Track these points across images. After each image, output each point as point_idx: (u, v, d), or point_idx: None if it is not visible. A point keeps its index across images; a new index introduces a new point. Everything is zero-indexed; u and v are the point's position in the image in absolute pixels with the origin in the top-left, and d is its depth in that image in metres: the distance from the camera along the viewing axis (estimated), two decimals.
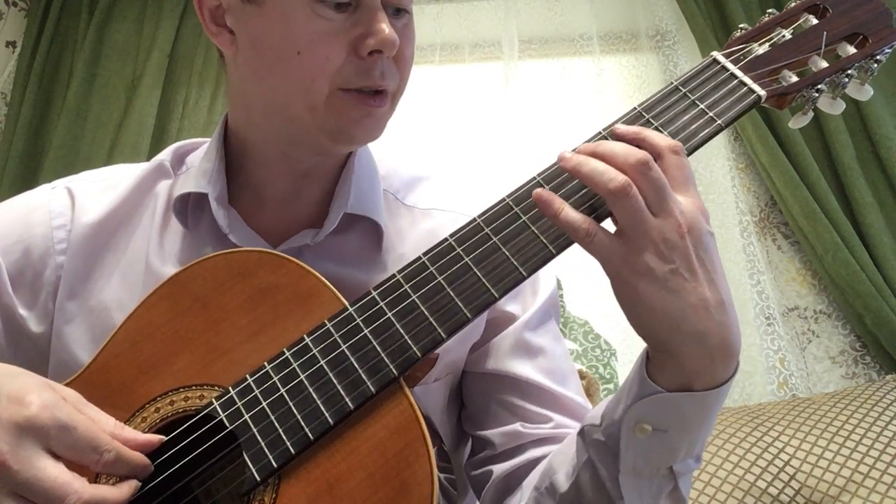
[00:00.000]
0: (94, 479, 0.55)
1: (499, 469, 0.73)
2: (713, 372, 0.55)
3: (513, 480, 0.72)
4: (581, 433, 0.64)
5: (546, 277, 0.80)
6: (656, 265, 0.52)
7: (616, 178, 0.52)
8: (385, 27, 0.63)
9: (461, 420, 0.80)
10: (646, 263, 0.52)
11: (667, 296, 0.52)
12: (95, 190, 0.77)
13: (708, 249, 0.54)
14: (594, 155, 0.55)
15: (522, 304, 0.78)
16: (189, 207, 0.74)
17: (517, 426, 0.73)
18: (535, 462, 0.71)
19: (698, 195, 0.55)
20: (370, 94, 0.66)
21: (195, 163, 0.78)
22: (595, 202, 0.57)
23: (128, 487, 0.52)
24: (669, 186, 0.53)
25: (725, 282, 0.55)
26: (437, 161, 2.07)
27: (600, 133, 0.60)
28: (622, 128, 0.58)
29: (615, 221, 0.55)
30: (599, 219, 0.56)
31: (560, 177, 0.58)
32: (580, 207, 0.56)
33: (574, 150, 0.58)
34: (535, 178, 0.59)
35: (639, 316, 0.55)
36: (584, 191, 0.57)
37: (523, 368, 0.75)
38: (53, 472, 0.48)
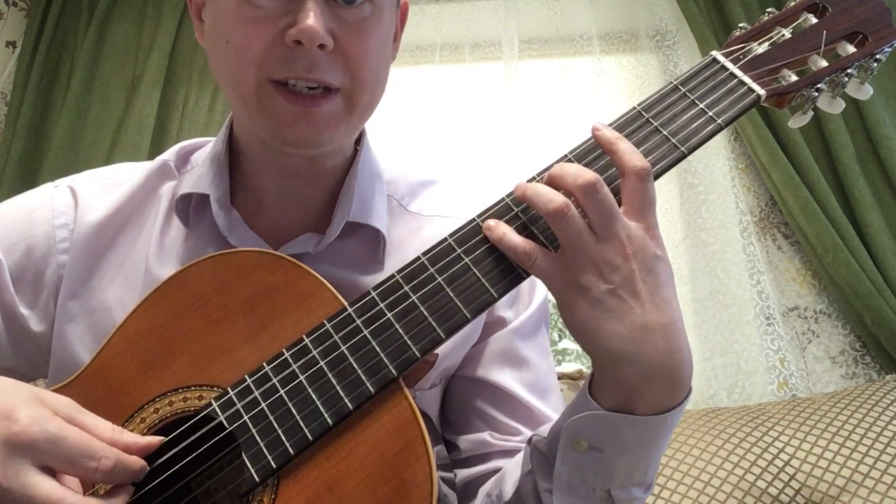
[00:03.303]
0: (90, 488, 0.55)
1: (462, 474, 0.73)
2: (654, 397, 0.55)
3: (472, 487, 0.72)
4: (529, 442, 0.65)
5: (541, 286, 0.81)
6: (593, 285, 0.53)
7: (554, 199, 0.53)
8: (307, 17, 0.59)
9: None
10: (581, 282, 0.53)
11: (601, 315, 0.53)
12: (99, 189, 0.77)
13: (654, 273, 0.54)
14: (548, 177, 0.57)
15: (516, 311, 0.78)
16: (191, 207, 0.74)
17: (486, 435, 0.73)
18: (496, 472, 0.71)
19: (654, 221, 0.56)
20: (304, 93, 0.62)
21: (199, 161, 0.78)
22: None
23: (123, 495, 0.51)
24: (617, 210, 0.54)
25: (677, 307, 0.55)
26: (440, 164, 2.07)
27: None
28: (602, 131, 0.58)
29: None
30: None
31: None
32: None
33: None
34: (534, 178, 0.59)
35: (576, 333, 0.56)
36: None
37: (505, 378, 0.75)
38: (46, 487, 0.46)
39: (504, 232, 0.56)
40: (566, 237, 0.54)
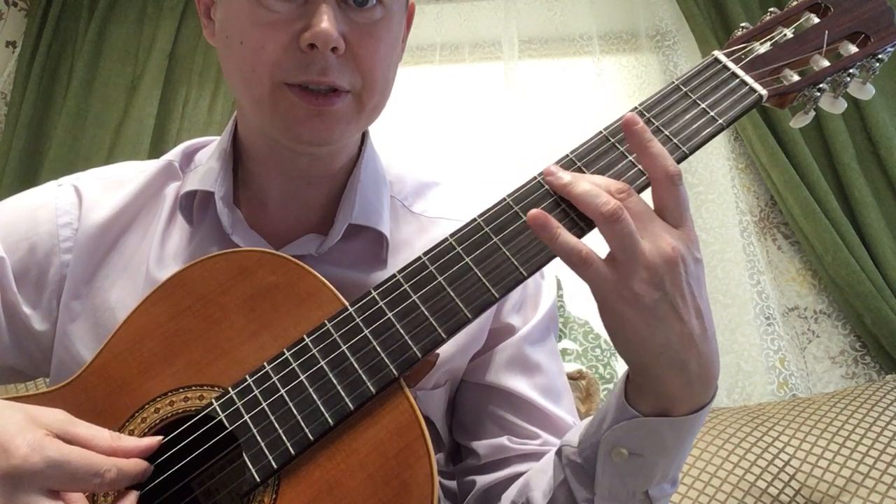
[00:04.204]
0: (92, 497, 0.55)
1: (482, 480, 0.73)
2: (692, 398, 0.55)
3: (493, 493, 0.72)
4: (559, 453, 0.64)
5: (548, 290, 0.80)
6: (645, 293, 0.51)
7: (609, 201, 0.51)
8: (321, 20, 0.59)
9: (451, 427, 0.80)
10: (635, 291, 0.51)
11: (653, 324, 0.52)
12: (103, 188, 0.77)
13: (696, 278, 0.53)
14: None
15: (524, 316, 0.78)
16: (195, 205, 0.74)
17: (504, 440, 0.73)
18: (517, 477, 0.71)
19: (691, 224, 0.54)
20: (317, 91, 0.63)
21: (203, 160, 0.78)
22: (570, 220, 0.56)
23: (128, 501, 0.51)
24: (654, 213, 0.53)
25: (710, 310, 0.55)
26: (441, 164, 2.07)
27: (601, 133, 0.60)
28: (640, 125, 0.55)
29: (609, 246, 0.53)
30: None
31: None
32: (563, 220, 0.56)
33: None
34: (535, 177, 0.59)
35: (623, 342, 0.54)
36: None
37: (518, 384, 0.74)
38: None
39: (558, 229, 0.52)
40: (619, 241, 0.51)
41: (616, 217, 0.51)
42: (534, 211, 0.54)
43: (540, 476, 0.66)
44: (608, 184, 0.54)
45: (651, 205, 0.55)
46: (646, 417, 0.56)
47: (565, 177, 0.55)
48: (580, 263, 0.52)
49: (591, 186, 0.53)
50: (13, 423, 0.48)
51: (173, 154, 0.80)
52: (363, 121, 0.68)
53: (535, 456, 0.72)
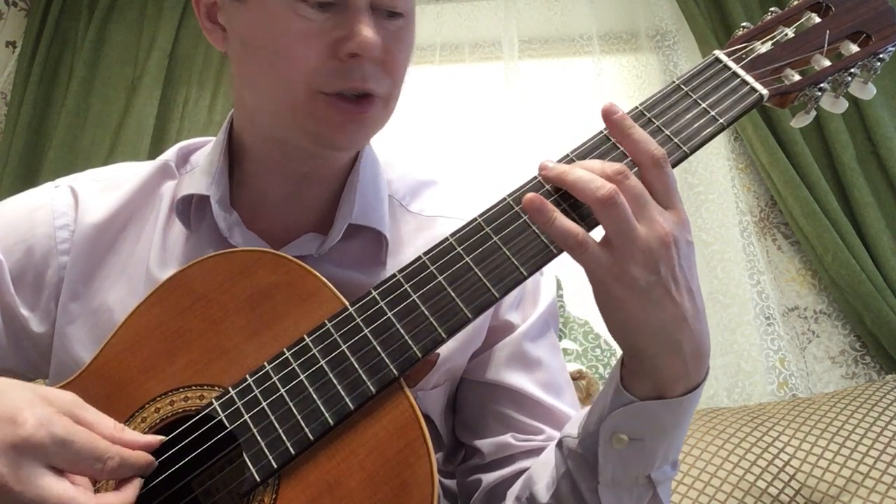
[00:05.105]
0: (95, 483, 0.55)
1: (487, 479, 0.73)
2: (686, 378, 0.56)
3: (499, 490, 0.72)
4: (559, 444, 0.64)
5: (547, 287, 0.80)
6: (641, 275, 0.51)
7: (604, 185, 0.51)
8: (365, 30, 0.61)
9: (454, 426, 0.80)
10: (631, 273, 0.51)
11: (648, 306, 0.52)
12: (99, 189, 0.77)
13: (689, 259, 0.54)
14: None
15: (522, 313, 0.77)
16: (192, 209, 0.74)
17: (508, 437, 0.73)
18: (522, 473, 0.71)
19: (681, 206, 0.55)
20: (353, 99, 0.64)
21: (200, 161, 0.78)
22: (580, 211, 0.56)
23: (131, 489, 0.51)
24: (649, 196, 0.53)
25: (700, 290, 0.55)
26: (441, 164, 2.07)
27: (601, 132, 0.60)
28: (620, 115, 0.56)
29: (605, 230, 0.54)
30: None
31: None
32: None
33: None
34: (536, 176, 0.59)
35: (618, 325, 0.55)
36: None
37: (520, 380, 0.74)
38: (58, 488, 0.47)
39: (554, 212, 0.53)
40: (615, 225, 0.51)
41: (611, 201, 0.51)
42: (530, 195, 0.54)
43: (542, 469, 0.66)
44: (604, 166, 0.53)
45: None
46: (643, 401, 0.56)
47: (558, 167, 0.55)
48: (576, 247, 0.52)
49: (585, 172, 0.53)
50: (22, 398, 0.49)
51: (169, 154, 0.80)
52: (385, 123, 0.70)
53: (540, 451, 0.71)
